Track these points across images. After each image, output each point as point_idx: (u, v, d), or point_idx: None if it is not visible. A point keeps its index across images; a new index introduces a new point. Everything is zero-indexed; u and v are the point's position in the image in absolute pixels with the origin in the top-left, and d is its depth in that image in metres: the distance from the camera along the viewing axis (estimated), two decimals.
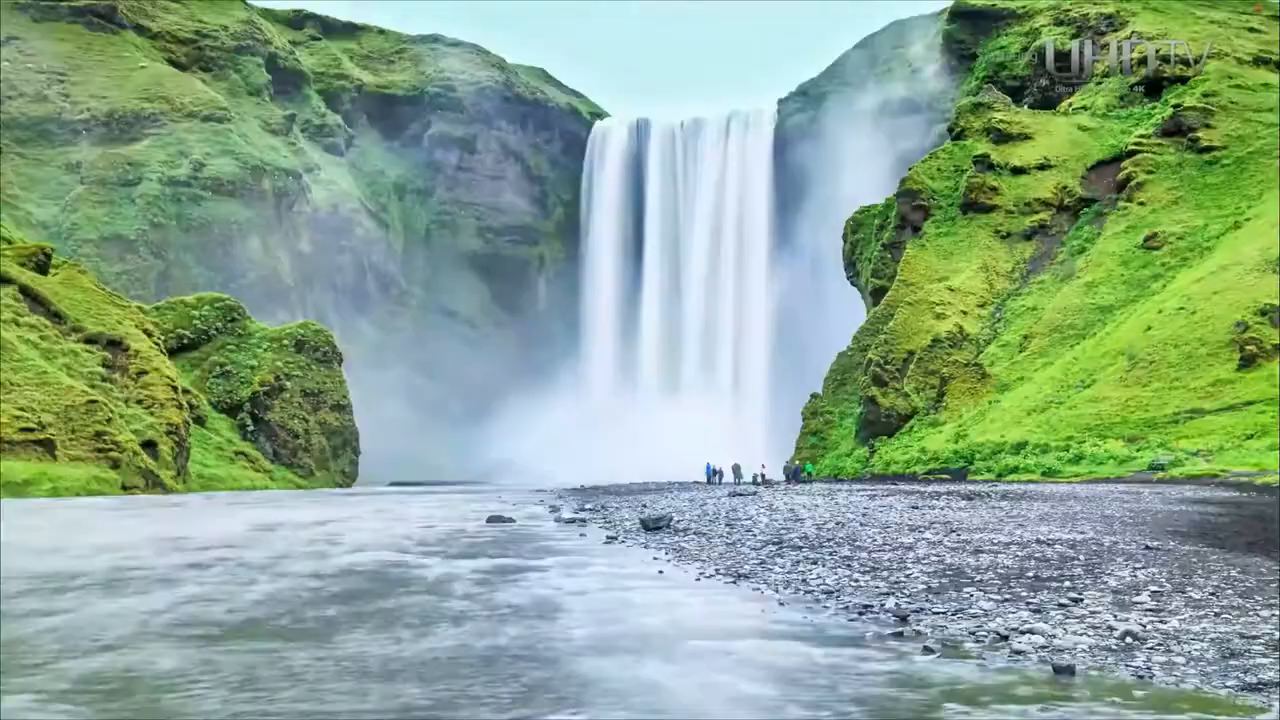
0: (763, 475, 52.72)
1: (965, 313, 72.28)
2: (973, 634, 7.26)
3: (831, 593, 9.56)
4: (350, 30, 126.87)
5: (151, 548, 15.48)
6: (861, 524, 17.66)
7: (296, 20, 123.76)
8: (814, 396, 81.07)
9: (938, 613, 8.14)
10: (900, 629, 7.55)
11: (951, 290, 73.55)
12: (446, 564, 13.07)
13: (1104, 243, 71.02)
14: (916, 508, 22.63)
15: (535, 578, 11.47)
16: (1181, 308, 56.37)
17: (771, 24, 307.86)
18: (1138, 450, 46.22)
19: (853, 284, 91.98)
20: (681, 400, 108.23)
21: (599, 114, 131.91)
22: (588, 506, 30.05)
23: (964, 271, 75.11)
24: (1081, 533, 14.87)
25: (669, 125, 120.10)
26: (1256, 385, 48.65)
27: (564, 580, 11.23)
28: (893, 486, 43.00)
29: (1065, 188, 77.03)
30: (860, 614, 8.32)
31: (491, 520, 23.32)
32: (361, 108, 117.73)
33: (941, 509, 22.10)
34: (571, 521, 23.09)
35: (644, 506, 27.84)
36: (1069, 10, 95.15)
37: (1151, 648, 6.53)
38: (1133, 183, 73.55)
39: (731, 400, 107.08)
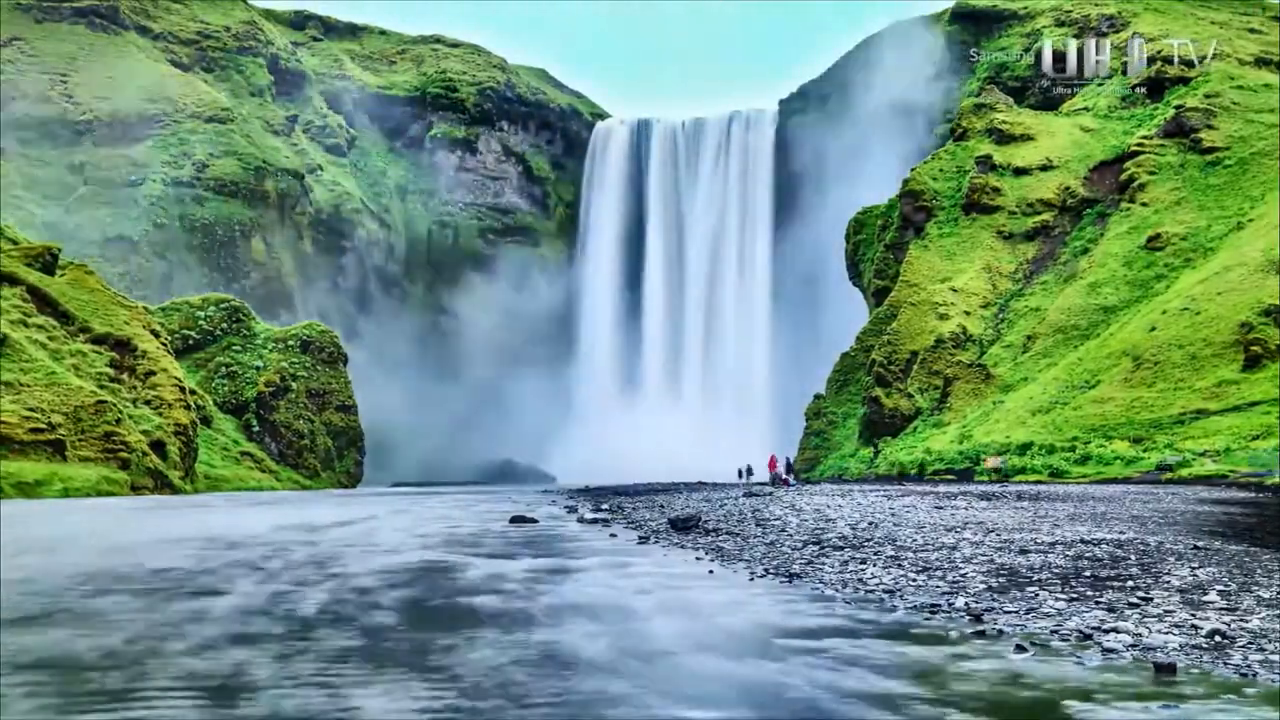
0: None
1: (968, 313, 72.45)
2: (1055, 632, 7.33)
3: (892, 592, 9.62)
4: (351, 31, 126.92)
5: (193, 547, 15.52)
6: (895, 524, 17.72)
7: (298, 21, 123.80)
8: (817, 397, 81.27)
9: (1009, 612, 8.20)
10: (980, 628, 7.61)
11: (954, 291, 73.73)
12: (492, 564, 13.11)
13: (1107, 243, 71.24)
14: (940, 508, 22.71)
15: (588, 578, 11.52)
16: (1185, 308, 56.54)
17: (773, 25, 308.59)
18: (1144, 451, 46.39)
19: (855, 284, 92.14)
20: (684, 401, 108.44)
21: (600, 115, 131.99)
22: (604, 507, 30.01)
23: (967, 272, 75.28)
24: (1121, 533, 14.97)
25: (670, 126, 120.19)
26: (1261, 386, 48.85)
27: (619, 580, 11.28)
28: (901, 487, 43.06)
29: (1067, 188, 77.28)
30: (932, 613, 8.39)
31: (514, 521, 23.28)
32: (363, 108, 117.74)
33: (966, 509, 22.19)
34: (594, 522, 23.06)
35: (661, 507, 27.82)
36: (1070, 11, 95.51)
37: (1244, 646, 6.61)
38: (1135, 183, 73.80)
39: (734, 401, 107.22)
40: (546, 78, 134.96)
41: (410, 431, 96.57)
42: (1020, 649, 6.72)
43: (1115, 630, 7.20)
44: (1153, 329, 56.31)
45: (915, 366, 70.20)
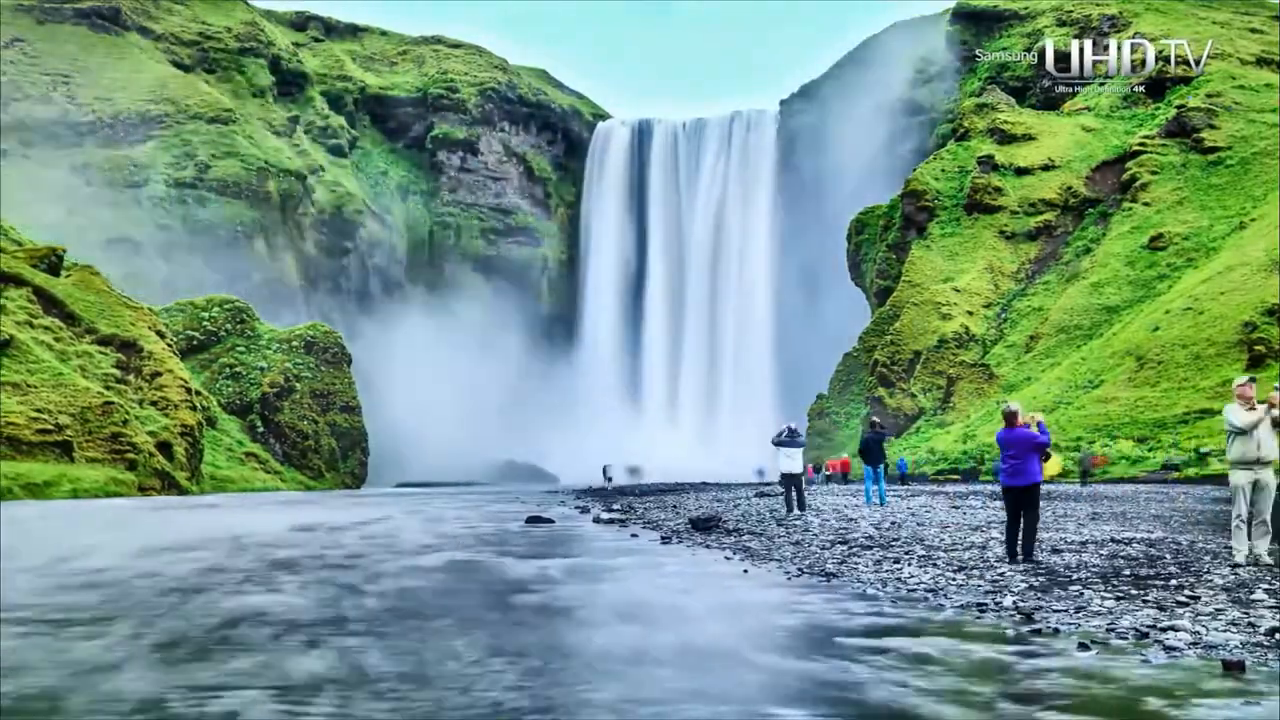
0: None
1: (971, 313, 72.56)
2: (1111, 630, 7.37)
3: (935, 591, 9.66)
4: (353, 31, 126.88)
5: (221, 548, 15.56)
6: (918, 524, 17.78)
7: (299, 21, 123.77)
8: (820, 397, 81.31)
9: (1059, 610, 8.24)
10: (1035, 626, 7.65)
11: (957, 290, 73.83)
12: (524, 563, 13.13)
13: (1109, 243, 71.33)
14: (957, 507, 22.79)
15: (623, 577, 11.55)
16: (1188, 308, 56.62)
17: (773, 25, 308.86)
18: (1149, 450, 46.50)
19: (857, 284, 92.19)
20: (685, 400, 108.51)
21: (601, 115, 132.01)
22: (615, 508, 30.04)
23: (969, 272, 75.38)
24: (1150, 532, 15.04)
25: (671, 126, 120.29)
26: (1265, 386, 48.71)
27: (657, 579, 11.32)
28: (907, 487, 43.16)
29: (1069, 188, 77.40)
30: (981, 612, 8.42)
31: (530, 521, 23.32)
32: (364, 109, 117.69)
33: (982, 508, 22.27)
34: (610, 522, 23.08)
35: (674, 508, 27.88)
36: (1071, 11, 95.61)
37: None
38: (1137, 183, 73.91)
39: (735, 400, 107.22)
40: (548, 78, 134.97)
41: (412, 432, 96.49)
42: (1083, 647, 6.77)
43: (1173, 628, 7.25)
44: (1156, 329, 56.41)
45: (918, 366, 70.32)
